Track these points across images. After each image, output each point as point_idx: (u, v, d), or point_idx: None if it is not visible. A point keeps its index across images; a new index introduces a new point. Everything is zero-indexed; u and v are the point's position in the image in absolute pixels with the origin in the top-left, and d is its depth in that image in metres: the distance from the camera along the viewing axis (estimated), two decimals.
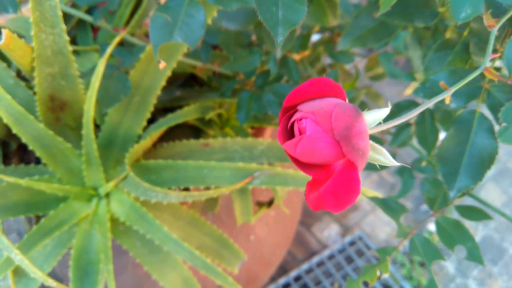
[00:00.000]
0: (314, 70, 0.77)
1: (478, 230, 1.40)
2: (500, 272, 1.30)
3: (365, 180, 1.56)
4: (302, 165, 0.26)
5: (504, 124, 0.31)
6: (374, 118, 0.26)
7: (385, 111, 0.26)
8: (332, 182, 0.24)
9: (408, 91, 0.83)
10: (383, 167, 0.73)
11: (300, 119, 0.26)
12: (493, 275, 1.30)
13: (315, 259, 1.30)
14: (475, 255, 0.44)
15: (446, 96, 0.28)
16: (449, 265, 1.31)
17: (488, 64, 0.33)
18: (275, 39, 0.33)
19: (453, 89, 0.29)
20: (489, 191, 1.50)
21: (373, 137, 0.63)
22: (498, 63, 0.51)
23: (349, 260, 1.31)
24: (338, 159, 0.25)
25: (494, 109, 0.35)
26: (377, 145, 0.26)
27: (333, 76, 0.63)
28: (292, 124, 0.27)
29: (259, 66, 0.70)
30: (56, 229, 0.62)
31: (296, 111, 0.27)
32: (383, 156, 0.27)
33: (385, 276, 0.42)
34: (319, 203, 0.25)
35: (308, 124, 0.25)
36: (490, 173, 1.55)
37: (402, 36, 0.66)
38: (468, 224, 1.41)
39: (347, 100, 0.27)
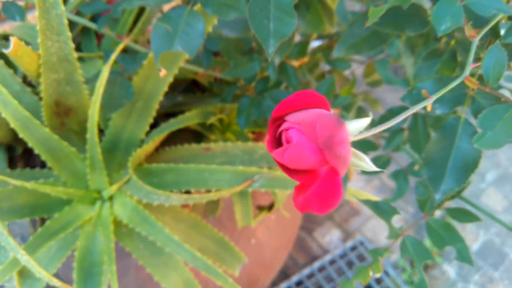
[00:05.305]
0: (312, 76, 0.78)
1: (479, 235, 1.40)
2: (501, 277, 1.30)
3: (366, 185, 1.57)
4: (290, 171, 0.28)
5: (481, 130, 0.33)
6: (356, 127, 0.28)
7: (366, 121, 0.28)
8: (317, 187, 0.26)
9: None
10: (373, 172, 0.74)
11: (287, 129, 0.28)
12: (494, 280, 1.30)
13: (316, 264, 1.31)
14: (464, 256, 0.45)
15: (428, 104, 0.30)
16: (450, 270, 1.32)
17: (474, 71, 0.35)
18: (266, 50, 0.35)
19: (435, 97, 0.30)
20: (490, 196, 1.50)
21: (367, 142, 0.65)
22: None
23: (350, 265, 1.32)
24: (322, 166, 0.27)
25: (478, 115, 0.37)
26: (359, 152, 0.28)
27: (329, 82, 0.65)
28: (280, 133, 0.28)
29: (259, 72, 0.71)
30: (61, 231, 0.63)
31: (284, 121, 0.28)
32: (364, 162, 0.28)
33: (378, 276, 0.43)
34: (305, 205, 0.27)
35: (294, 133, 0.27)
36: (491, 178, 1.55)
37: (396, 44, 0.67)
38: (469, 229, 1.41)
39: (331, 111, 0.28)
